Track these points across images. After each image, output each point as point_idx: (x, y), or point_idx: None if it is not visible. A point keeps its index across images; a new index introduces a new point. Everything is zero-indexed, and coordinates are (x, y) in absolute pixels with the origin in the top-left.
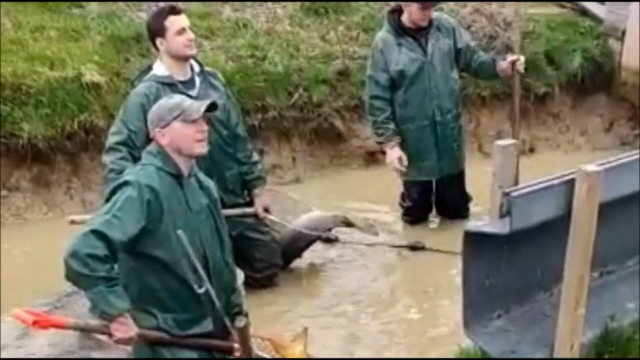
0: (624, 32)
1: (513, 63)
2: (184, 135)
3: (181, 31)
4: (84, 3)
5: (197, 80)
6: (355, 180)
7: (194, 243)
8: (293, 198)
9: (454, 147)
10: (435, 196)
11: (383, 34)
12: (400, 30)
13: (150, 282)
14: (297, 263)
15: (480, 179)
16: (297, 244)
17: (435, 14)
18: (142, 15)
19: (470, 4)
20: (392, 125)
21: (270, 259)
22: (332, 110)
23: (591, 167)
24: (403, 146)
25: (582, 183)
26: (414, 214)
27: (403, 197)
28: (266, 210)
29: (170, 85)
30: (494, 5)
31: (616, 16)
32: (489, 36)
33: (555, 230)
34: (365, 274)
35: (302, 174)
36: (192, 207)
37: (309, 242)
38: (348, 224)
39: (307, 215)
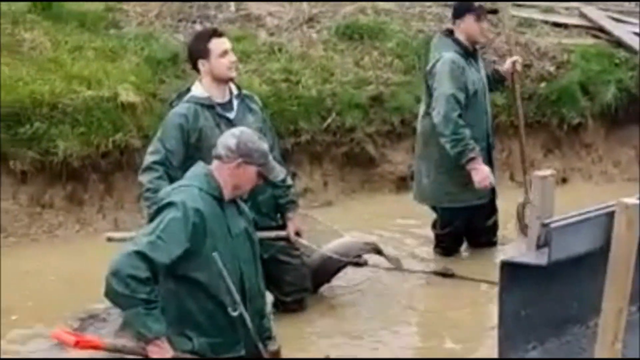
0: None
1: (513, 63)
2: (251, 180)
3: (224, 53)
4: (121, 24)
5: (235, 102)
6: (386, 205)
7: (232, 267)
8: (324, 223)
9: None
10: (470, 224)
11: (452, 55)
12: (464, 51)
13: (188, 305)
14: (325, 287)
15: (510, 208)
16: (327, 269)
17: None
18: (178, 37)
19: (505, 32)
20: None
21: (300, 283)
22: (365, 135)
23: (631, 200)
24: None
25: (621, 216)
26: (449, 243)
27: (436, 224)
28: (298, 234)
29: (209, 107)
30: (529, 34)
31: None
32: (523, 65)
33: (593, 262)
34: (393, 300)
35: (333, 197)
36: (232, 231)
37: (339, 267)
38: (377, 251)
39: (338, 240)
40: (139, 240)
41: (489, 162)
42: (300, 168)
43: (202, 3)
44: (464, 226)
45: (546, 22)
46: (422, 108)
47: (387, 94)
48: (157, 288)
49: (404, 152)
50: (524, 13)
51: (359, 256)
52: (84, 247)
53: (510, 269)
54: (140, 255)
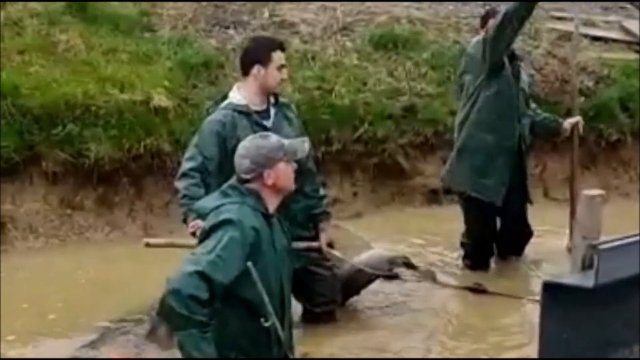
0: None
1: (574, 125)
2: (287, 175)
3: (281, 67)
4: (155, 27)
5: (273, 111)
6: (416, 218)
7: (275, 281)
8: (354, 234)
9: None
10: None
11: None
12: None
13: (232, 325)
14: (354, 299)
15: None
16: (357, 282)
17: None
18: (211, 42)
19: (543, 45)
20: None
21: (331, 295)
22: (396, 147)
23: None
24: None
25: None
26: (476, 254)
27: (464, 236)
28: (330, 245)
29: (247, 115)
30: (567, 48)
31: None
32: (562, 79)
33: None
34: (423, 314)
35: (363, 209)
36: (277, 247)
37: (369, 280)
38: (409, 265)
39: (369, 253)
40: (199, 259)
41: (519, 165)
42: (330, 178)
43: (236, 8)
44: (490, 235)
45: (586, 36)
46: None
47: (420, 105)
48: None
49: (436, 165)
50: (563, 26)
51: (390, 269)
52: (113, 250)
53: (553, 290)
54: (202, 275)
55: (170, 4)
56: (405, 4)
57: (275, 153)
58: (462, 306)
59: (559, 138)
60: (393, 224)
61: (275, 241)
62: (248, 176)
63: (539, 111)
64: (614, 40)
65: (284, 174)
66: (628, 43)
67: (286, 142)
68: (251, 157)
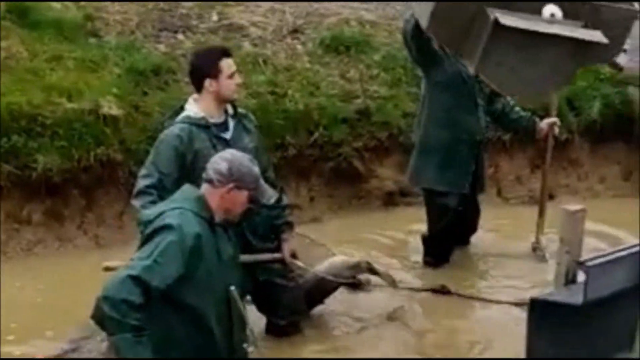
0: None
1: (551, 126)
2: (242, 204)
3: (233, 75)
4: (101, 33)
5: (232, 123)
6: (374, 221)
7: (220, 293)
8: (316, 242)
9: None
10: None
11: None
12: None
13: (176, 330)
14: (319, 308)
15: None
16: (321, 290)
17: None
18: (160, 47)
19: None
20: None
21: (295, 306)
22: (352, 150)
23: None
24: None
25: None
26: (437, 250)
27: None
28: (293, 255)
29: (205, 128)
30: None
31: (636, 64)
32: None
33: (626, 299)
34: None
35: (320, 214)
36: (221, 255)
37: (333, 288)
38: (372, 271)
39: (331, 260)
40: (135, 264)
41: (477, 158)
42: (287, 183)
43: (183, 12)
44: (452, 229)
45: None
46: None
47: (374, 107)
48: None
49: (392, 168)
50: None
51: (353, 276)
52: (64, 265)
53: (541, 307)
54: (136, 280)
55: (116, 8)
56: (354, 5)
57: (249, 180)
58: (428, 309)
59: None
60: (351, 228)
61: (220, 249)
62: (214, 178)
63: (516, 108)
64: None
65: (239, 201)
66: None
67: (263, 182)
68: (231, 166)
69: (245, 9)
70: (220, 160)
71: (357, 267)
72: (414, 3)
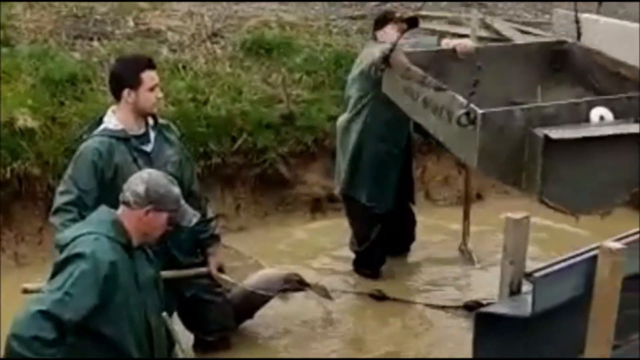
0: None
1: None
2: (161, 226)
3: (154, 87)
4: (12, 42)
5: (152, 134)
6: (302, 228)
7: (139, 318)
8: (244, 254)
9: None
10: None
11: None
12: None
13: None
14: (249, 322)
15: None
16: (250, 305)
17: None
18: (75, 55)
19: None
20: None
21: (224, 322)
22: (277, 156)
23: (615, 244)
24: None
25: (604, 260)
26: (369, 261)
27: (353, 243)
28: (220, 269)
29: (124, 140)
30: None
31: None
32: None
33: (571, 309)
34: (321, 330)
35: (247, 222)
36: (140, 280)
37: (263, 302)
38: (302, 283)
39: (260, 273)
40: (45, 298)
41: (408, 163)
42: (211, 192)
43: (98, 18)
44: (380, 238)
45: (454, 35)
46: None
47: (297, 112)
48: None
49: (318, 173)
50: (431, 25)
51: (283, 288)
52: None
53: (487, 319)
54: (46, 314)
55: (28, 16)
56: (274, 6)
57: (168, 201)
58: (363, 315)
59: None
60: (279, 236)
61: (139, 274)
62: (131, 199)
63: None
64: (482, 38)
65: (158, 224)
66: (494, 40)
67: (184, 203)
68: (148, 187)
69: (162, 14)
70: (138, 181)
71: (287, 280)
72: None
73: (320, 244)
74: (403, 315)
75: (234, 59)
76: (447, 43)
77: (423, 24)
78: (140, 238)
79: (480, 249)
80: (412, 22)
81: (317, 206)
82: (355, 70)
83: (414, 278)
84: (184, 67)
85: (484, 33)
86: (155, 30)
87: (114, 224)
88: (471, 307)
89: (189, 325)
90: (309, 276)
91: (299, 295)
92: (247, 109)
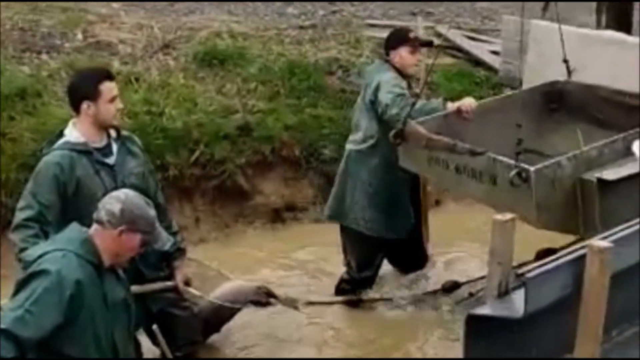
0: (520, 82)
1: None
2: (133, 248)
3: (113, 99)
4: None
5: (115, 146)
6: (262, 238)
7: (105, 338)
8: (210, 267)
9: None
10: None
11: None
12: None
13: None
14: (217, 336)
15: None
16: (218, 318)
17: None
18: (24, 69)
19: (365, 53)
20: None
21: (192, 336)
22: (235, 167)
23: (603, 243)
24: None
25: (593, 258)
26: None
27: (350, 264)
28: (187, 283)
29: (86, 153)
30: None
31: (511, 66)
32: None
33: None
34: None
35: (206, 234)
36: (109, 301)
37: (230, 315)
38: (270, 295)
39: (227, 286)
40: (5, 315)
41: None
42: (170, 205)
43: (45, 31)
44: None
45: None
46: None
47: (254, 122)
48: None
49: (277, 183)
50: (381, 34)
51: (251, 301)
52: None
53: (478, 321)
54: (5, 332)
55: None
56: (224, 17)
57: (142, 223)
58: (334, 322)
59: None
60: (240, 247)
61: (107, 294)
62: (105, 219)
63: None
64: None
65: (131, 245)
66: (444, 48)
67: (159, 227)
68: (123, 207)
69: (111, 26)
70: (113, 201)
71: (254, 292)
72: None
73: (282, 254)
74: (379, 316)
75: (187, 70)
76: (452, 105)
77: (371, 32)
78: (111, 258)
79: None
80: (428, 45)
81: (277, 216)
82: (366, 97)
83: (386, 282)
84: (137, 80)
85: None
86: (106, 42)
87: (84, 242)
88: (449, 288)
89: (155, 341)
90: (274, 287)
91: (266, 307)
92: (203, 120)
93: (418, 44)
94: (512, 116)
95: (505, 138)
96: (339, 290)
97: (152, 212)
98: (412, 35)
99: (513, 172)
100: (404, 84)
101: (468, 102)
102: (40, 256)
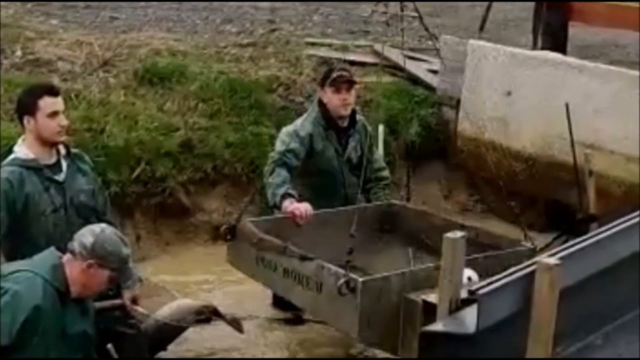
0: (458, 101)
1: None
2: (101, 283)
3: (54, 114)
4: None
5: (64, 163)
6: (203, 256)
7: None
8: (158, 285)
9: None
10: None
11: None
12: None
13: None
14: (163, 354)
15: None
16: (164, 336)
17: None
18: None
19: (305, 71)
20: None
21: (138, 354)
22: (177, 184)
23: (552, 260)
24: None
25: (543, 276)
26: None
27: None
28: (134, 301)
29: (36, 170)
30: None
31: (449, 85)
32: None
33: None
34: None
35: (148, 252)
36: (67, 331)
37: (176, 333)
38: (217, 314)
39: (173, 304)
40: None
41: None
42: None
43: None
44: None
45: (344, 61)
46: None
47: (196, 139)
48: None
49: (218, 200)
50: (320, 52)
51: (198, 319)
52: None
53: (431, 339)
54: None
55: None
56: (163, 35)
57: (112, 260)
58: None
59: None
60: (181, 265)
61: (67, 326)
62: (77, 249)
63: None
64: (370, 64)
65: (99, 280)
66: (383, 67)
67: (129, 266)
68: (95, 241)
69: (50, 43)
70: (88, 233)
71: (200, 311)
72: None
73: (224, 272)
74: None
75: (127, 87)
76: (287, 207)
77: (310, 51)
78: (79, 289)
79: None
80: (351, 83)
81: (219, 233)
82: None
83: None
84: (76, 96)
85: (372, 60)
86: (45, 59)
87: (54, 268)
88: None
89: (102, 358)
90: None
91: (212, 325)
92: (144, 137)
93: (341, 83)
94: (345, 230)
95: (336, 251)
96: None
97: (126, 250)
98: (335, 74)
99: (342, 281)
100: (303, 132)
101: (303, 208)
102: (11, 273)
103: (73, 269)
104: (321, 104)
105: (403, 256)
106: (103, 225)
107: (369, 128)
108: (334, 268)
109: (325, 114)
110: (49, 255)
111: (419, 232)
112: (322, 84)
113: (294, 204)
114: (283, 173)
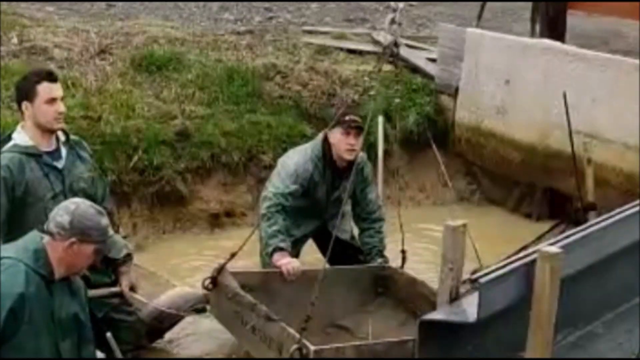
0: (456, 90)
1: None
2: (87, 259)
3: (52, 101)
4: None
5: (64, 150)
6: (200, 244)
7: (49, 351)
8: (156, 273)
9: None
10: None
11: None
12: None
13: None
14: (162, 342)
15: None
16: (162, 324)
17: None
18: None
19: (303, 60)
20: None
21: (136, 341)
22: (174, 172)
23: (553, 249)
24: None
25: (544, 264)
26: None
27: None
28: (132, 288)
29: (35, 156)
30: (327, 62)
31: (448, 74)
32: (328, 94)
33: (514, 312)
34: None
35: (144, 240)
36: (56, 316)
37: (174, 321)
38: None
39: (172, 293)
40: None
41: None
42: None
43: None
44: None
45: (341, 49)
46: None
47: (193, 127)
48: None
49: (215, 188)
50: (317, 40)
51: (195, 307)
52: None
53: (431, 327)
54: None
55: None
56: (160, 22)
57: (94, 234)
58: None
59: None
60: (178, 253)
61: (56, 310)
62: (54, 231)
63: None
64: (368, 52)
65: (84, 256)
66: (380, 54)
67: (112, 234)
68: (72, 219)
69: (46, 30)
70: (62, 212)
71: (199, 299)
72: None
73: (221, 260)
74: None
75: (124, 75)
76: (276, 261)
77: (308, 38)
78: (64, 270)
79: None
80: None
81: (216, 221)
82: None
83: None
84: (73, 84)
85: (370, 48)
86: (41, 47)
87: (37, 252)
88: None
89: (100, 346)
90: None
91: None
92: (141, 125)
93: (352, 128)
94: (335, 289)
95: (320, 309)
96: None
97: (104, 220)
98: (347, 117)
99: (294, 347)
100: (304, 174)
101: (291, 266)
102: None
103: (54, 251)
104: (326, 142)
105: (394, 320)
106: (75, 200)
107: (368, 168)
108: (292, 332)
109: (327, 153)
110: (31, 240)
111: (410, 299)
112: (333, 124)
113: (284, 259)
114: (280, 221)
